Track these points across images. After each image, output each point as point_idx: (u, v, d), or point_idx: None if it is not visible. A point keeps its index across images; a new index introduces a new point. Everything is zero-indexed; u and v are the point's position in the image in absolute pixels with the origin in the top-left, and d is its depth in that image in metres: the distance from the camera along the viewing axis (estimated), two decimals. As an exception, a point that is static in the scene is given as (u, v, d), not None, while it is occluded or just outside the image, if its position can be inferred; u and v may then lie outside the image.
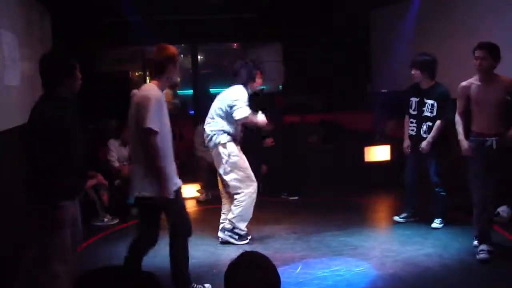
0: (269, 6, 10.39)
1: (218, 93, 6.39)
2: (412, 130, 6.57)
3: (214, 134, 6.15)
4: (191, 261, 5.57)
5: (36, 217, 3.93)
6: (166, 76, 4.51)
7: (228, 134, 6.15)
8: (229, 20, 10.62)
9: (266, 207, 7.81)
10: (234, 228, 6.26)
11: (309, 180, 8.92)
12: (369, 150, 9.22)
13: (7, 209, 4.89)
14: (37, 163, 3.83)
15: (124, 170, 7.84)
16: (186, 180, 8.46)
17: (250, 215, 6.28)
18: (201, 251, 6.05)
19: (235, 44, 13.10)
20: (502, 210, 6.67)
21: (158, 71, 4.49)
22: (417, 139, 6.50)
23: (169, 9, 9.90)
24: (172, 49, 4.56)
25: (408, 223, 6.71)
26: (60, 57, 4.04)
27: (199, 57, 12.31)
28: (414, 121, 6.54)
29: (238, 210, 6.21)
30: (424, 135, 6.44)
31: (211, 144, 6.20)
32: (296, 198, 8.52)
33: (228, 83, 6.41)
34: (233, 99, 6.06)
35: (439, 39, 8.55)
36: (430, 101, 6.39)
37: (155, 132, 4.28)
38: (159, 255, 5.35)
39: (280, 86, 12.06)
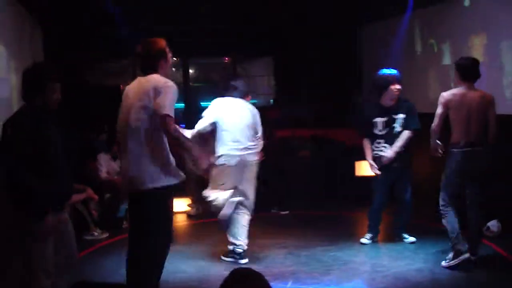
0: (260, 20, 10.44)
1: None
2: (381, 150, 6.41)
3: None
4: (181, 275, 5.57)
5: (17, 227, 3.86)
6: (161, 71, 4.27)
7: None
8: (220, 34, 10.65)
9: (257, 221, 7.77)
10: None
11: (299, 195, 8.91)
12: (360, 165, 9.22)
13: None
14: (14, 174, 3.74)
15: (115, 184, 7.81)
16: (176, 195, 8.48)
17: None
18: (191, 266, 6.01)
19: (226, 58, 13.12)
20: (492, 224, 6.69)
21: (151, 67, 4.26)
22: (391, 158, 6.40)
23: (160, 23, 9.93)
24: (162, 42, 4.33)
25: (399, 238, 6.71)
26: (39, 70, 3.99)
27: (190, 71, 12.33)
28: (383, 140, 6.40)
29: None
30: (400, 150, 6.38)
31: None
32: (286, 212, 8.50)
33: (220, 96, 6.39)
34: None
35: (426, 54, 8.63)
36: (400, 116, 6.33)
37: (173, 119, 4.09)
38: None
39: (272, 101, 12.09)
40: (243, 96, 6.25)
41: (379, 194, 6.60)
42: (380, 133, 6.40)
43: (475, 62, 5.69)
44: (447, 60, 8.15)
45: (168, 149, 4.24)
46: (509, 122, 6.37)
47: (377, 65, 9.64)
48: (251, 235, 6.84)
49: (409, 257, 6.08)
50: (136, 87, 4.26)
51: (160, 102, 4.04)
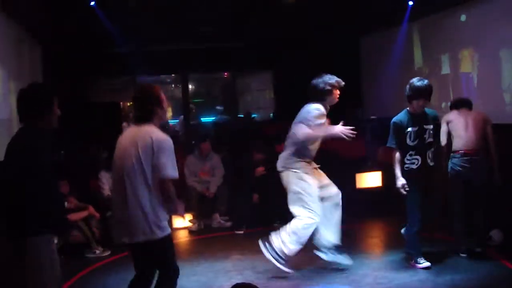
0: (258, 35, 10.49)
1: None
2: (413, 163, 5.99)
3: None
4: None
5: (23, 253, 3.68)
6: (156, 120, 4.20)
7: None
8: (219, 49, 10.71)
9: (259, 235, 7.77)
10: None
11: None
12: (361, 177, 9.23)
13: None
14: (22, 196, 3.67)
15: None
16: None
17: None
18: (193, 281, 6.01)
19: (226, 73, 13.18)
20: (494, 233, 6.68)
21: (146, 115, 4.17)
22: (424, 170, 6.01)
23: (160, 40, 9.99)
24: (157, 89, 4.29)
25: (401, 250, 6.68)
26: (39, 91, 3.89)
27: (189, 86, 12.37)
28: (414, 152, 5.99)
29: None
30: (432, 164, 6.04)
31: None
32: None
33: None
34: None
35: (425, 64, 8.67)
36: (430, 126, 6.01)
37: (172, 181, 4.10)
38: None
39: (272, 115, 12.12)
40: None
41: (415, 214, 6.06)
42: (412, 144, 5.97)
43: (462, 98, 6.76)
44: (446, 69, 8.19)
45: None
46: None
47: (377, 77, 9.75)
48: (252, 250, 6.85)
49: (411, 268, 6.05)
50: (132, 136, 4.14)
51: (162, 162, 4.02)
